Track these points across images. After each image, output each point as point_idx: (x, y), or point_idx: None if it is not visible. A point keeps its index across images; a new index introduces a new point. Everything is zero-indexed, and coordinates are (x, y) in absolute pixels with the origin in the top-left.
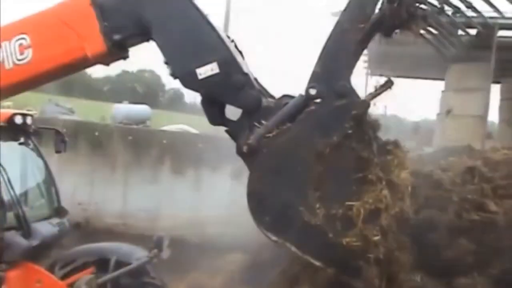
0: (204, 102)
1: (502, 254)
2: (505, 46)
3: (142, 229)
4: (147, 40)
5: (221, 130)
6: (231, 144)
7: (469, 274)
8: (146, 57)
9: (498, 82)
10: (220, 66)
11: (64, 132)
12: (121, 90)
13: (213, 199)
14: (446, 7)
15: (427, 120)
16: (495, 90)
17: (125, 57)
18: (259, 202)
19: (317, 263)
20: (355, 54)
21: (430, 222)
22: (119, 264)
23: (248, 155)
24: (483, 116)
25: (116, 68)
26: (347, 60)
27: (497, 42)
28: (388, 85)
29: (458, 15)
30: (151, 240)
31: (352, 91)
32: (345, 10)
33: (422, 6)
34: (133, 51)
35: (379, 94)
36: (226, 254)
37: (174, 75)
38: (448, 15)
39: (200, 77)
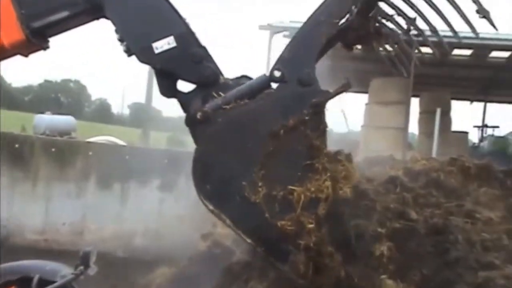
0: (158, 74)
1: (422, 260)
2: (423, 61)
3: (66, 244)
4: (97, 18)
5: (148, 141)
6: (159, 156)
7: (392, 280)
8: (71, 66)
9: (417, 96)
10: (177, 40)
11: None
12: (44, 100)
13: (140, 211)
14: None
15: (352, 132)
16: (415, 104)
17: (45, 47)
18: (204, 170)
19: (248, 240)
20: (323, 49)
21: (356, 231)
22: (43, 282)
23: (200, 123)
24: (404, 128)
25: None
26: (316, 50)
27: (416, 58)
28: (346, 86)
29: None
30: (77, 256)
31: (316, 81)
32: (322, 3)
33: (389, 24)
34: (57, 59)
35: (337, 94)
36: (153, 268)
37: (129, 51)
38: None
39: (156, 51)
